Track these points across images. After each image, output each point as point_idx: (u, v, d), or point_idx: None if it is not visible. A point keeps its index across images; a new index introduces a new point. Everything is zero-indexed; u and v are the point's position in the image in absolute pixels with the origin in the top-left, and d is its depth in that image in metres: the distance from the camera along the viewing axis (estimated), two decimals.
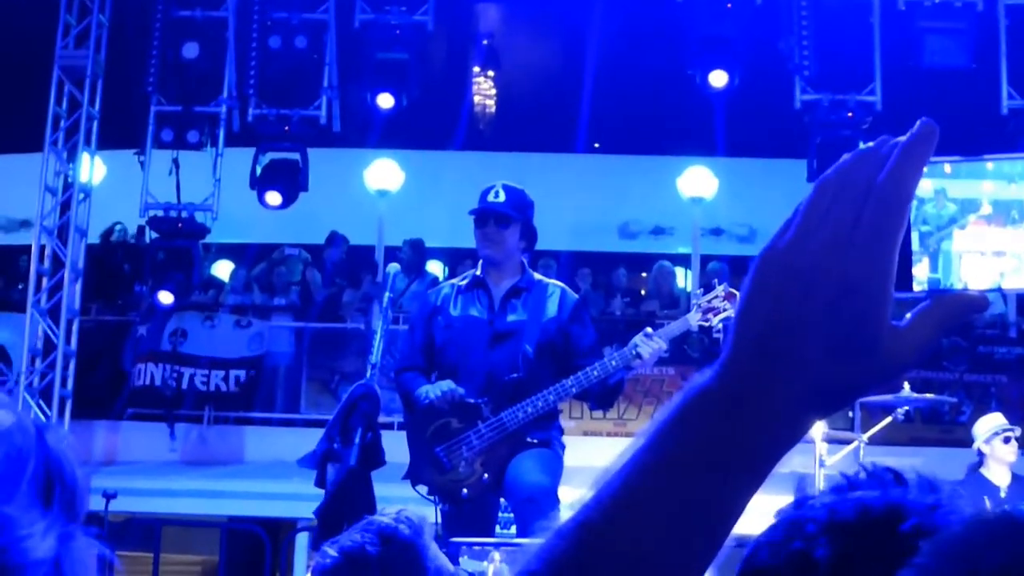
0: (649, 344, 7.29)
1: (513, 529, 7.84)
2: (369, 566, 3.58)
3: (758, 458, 1.20)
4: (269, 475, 14.43)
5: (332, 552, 3.66)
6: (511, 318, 7.56)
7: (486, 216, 7.59)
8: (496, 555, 6.60)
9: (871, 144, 1.24)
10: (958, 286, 1.35)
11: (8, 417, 1.25)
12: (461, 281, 7.82)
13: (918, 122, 1.22)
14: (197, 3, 15.83)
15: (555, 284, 7.84)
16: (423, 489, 7.40)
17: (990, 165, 1.37)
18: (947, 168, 1.40)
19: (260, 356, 16.44)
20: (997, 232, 1.31)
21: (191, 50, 15.70)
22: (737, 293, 7.68)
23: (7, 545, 1.13)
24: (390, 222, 18.32)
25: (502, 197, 7.58)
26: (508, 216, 7.55)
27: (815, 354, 1.18)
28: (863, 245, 1.18)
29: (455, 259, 16.86)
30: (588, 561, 1.22)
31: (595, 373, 7.23)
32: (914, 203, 1.18)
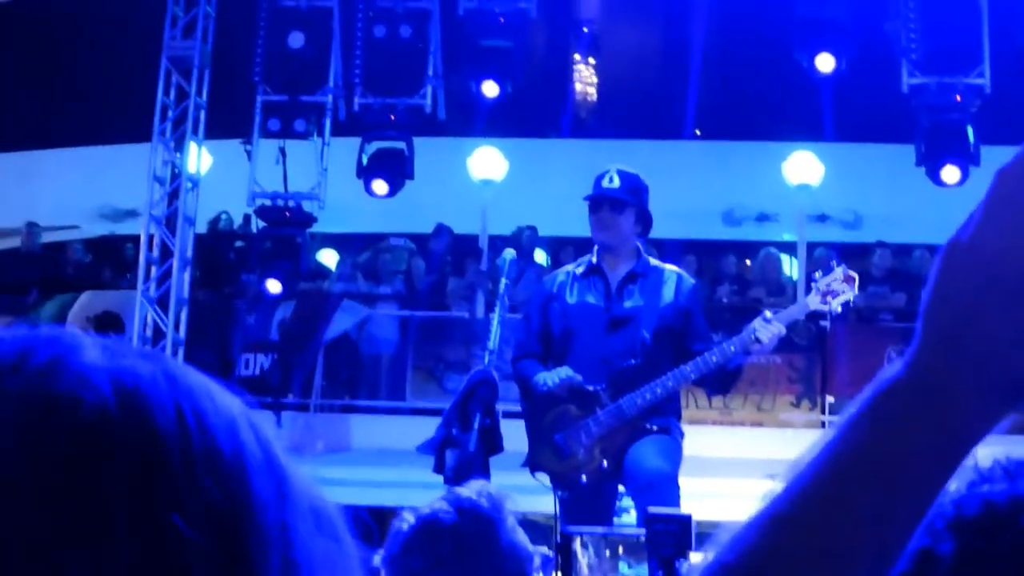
0: (768, 328, 7.23)
1: (629, 516, 7.83)
2: (443, 534, 3.61)
3: (950, 449, 1.19)
4: (376, 462, 14.50)
5: (410, 518, 3.69)
6: (628, 304, 7.53)
7: (601, 201, 7.57)
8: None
9: None
10: None
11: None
12: (577, 268, 7.79)
13: None
14: None
15: (672, 269, 7.81)
16: (542, 476, 7.40)
17: None
18: None
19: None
20: None
21: (297, 39, 15.81)
22: (855, 276, 7.62)
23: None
24: (494, 211, 18.33)
25: (616, 182, 7.56)
26: (623, 201, 7.53)
27: (1004, 345, 1.17)
28: None
29: (558, 247, 16.83)
30: (783, 553, 1.21)
31: (714, 359, 7.19)
32: None
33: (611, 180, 7.58)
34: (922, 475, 1.20)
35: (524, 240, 16.42)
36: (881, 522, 1.19)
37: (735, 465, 13.27)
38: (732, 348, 7.23)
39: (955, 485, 1.58)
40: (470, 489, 3.78)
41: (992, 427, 1.20)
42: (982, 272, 1.17)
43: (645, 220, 7.70)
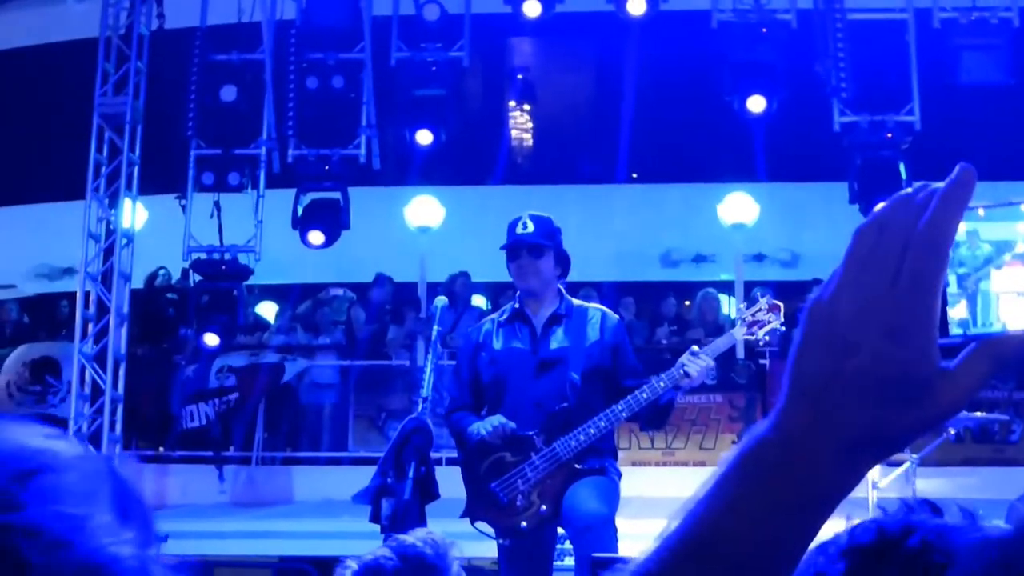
0: (696, 362, 7.26)
1: (566, 560, 7.82)
2: None
3: (816, 503, 1.23)
4: (319, 514, 14.42)
5: (353, 565, 3.68)
6: (554, 346, 7.54)
7: (519, 248, 7.58)
8: None
9: (907, 191, 1.24)
10: (997, 327, 1.35)
11: (76, 446, 1.28)
12: (501, 316, 7.81)
13: (957, 167, 1.24)
14: (234, 46, 15.96)
15: (595, 307, 7.83)
16: (483, 526, 7.37)
17: None
18: (980, 211, 1.41)
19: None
20: None
21: (229, 93, 15.81)
22: (780, 304, 7.68)
23: (98, 545, 1.16)
24: (432, 258, 18.35)
25: (531, 227, 7.58)
26: (540, 245, 7.56)
27: (866, 401, 1.20)
28: (906, 292, 1.20)
29: (498, 293, 16.86)
30: None
31: (644, 395, 7.21)
32: None
33: (525, 226, 7.59)
34: (789, 529, 1.23)
35: (457, 287, 16.42)
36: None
37: (679, 504, 13.28)
38: (662, 384, 7.25)
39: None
40: (414, 536, 3.77)
41: (858, 481, 1.24)
42: (845, 332, 1.20)
43: (563, 262, 7.73)
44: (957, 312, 1.28)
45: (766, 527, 1.22)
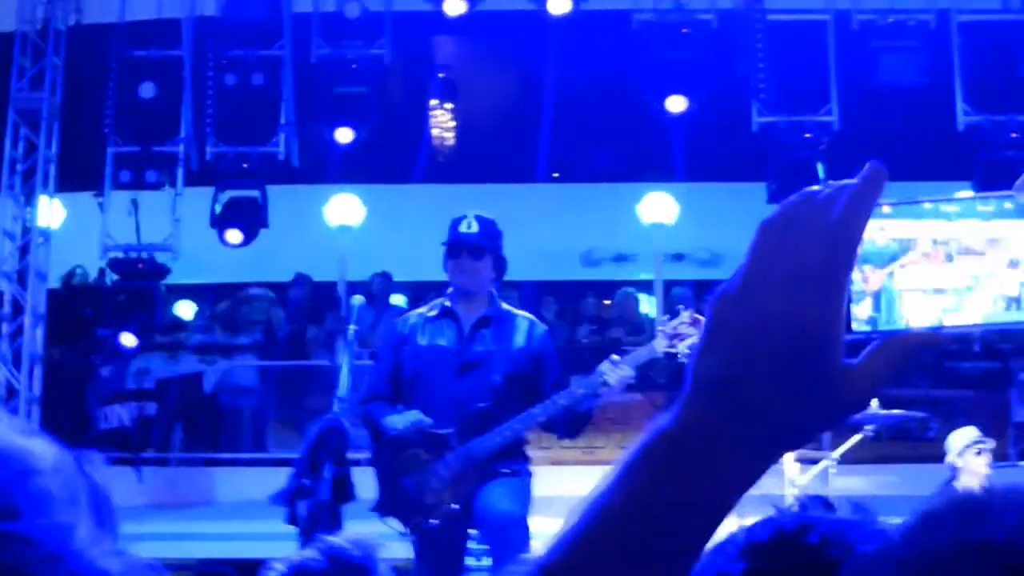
0: (616, 371, 7.28)
1: (485, 560, 7.82)
2: None
3: (717, 498, 1.22)
4: (238, 515, 14.33)
5: (279, 567, 3.64)
6: (479, 348, 7.54)
7: (460, 247, 7.57)
8: None
9: (813, 188, 1.25)
10: (901, 324, 1.36)
11: (51, 447, 1.25)
12: (429, 311, 7.78)
13: (867, 165, 1.24)
14: (153, 42, 15.82)
15: (524, 315, 7.83)
16: (393, 521, 7.35)
17: (928, 205, 1.39)
18: (886, 208, 1.42)
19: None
20: (936, 269, 1.32)
21: (148, 90, 15.67)
22: (702, 318, 7.70)
23: (88, 558, 1.16)
24: (352, 257, 18.29)
25: (475, 227, 7.58)
26: (482, 247, 7.56)
27: (770, 394, 1.20)
28: (813, 287, 1.20)
29: (418, 292, 16.82)
30: None
31: (562, 402, 7.22)
32: None
33: (469, 226, 7.59)
34: (691, 523, 1.23)
35: (375, 286, 16.38)
36: (651, 571, 1.22)
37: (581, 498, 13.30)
38: (581, 391, 7.27)
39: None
40: (341, 537, 3.74)
41: (761, 474, 1.23)
42: (750, 325, 1.20)
43: (500, 266, 7.74)
44: (862, 309, 1.28)
45: (666, 521, 1.21)
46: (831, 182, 1.25)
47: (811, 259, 1.20)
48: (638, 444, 1.23)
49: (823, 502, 1.66)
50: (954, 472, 10.43)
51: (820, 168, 15.17)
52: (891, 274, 1.30)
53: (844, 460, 10.89)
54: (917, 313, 1.30)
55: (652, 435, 1.23)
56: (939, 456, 10.83)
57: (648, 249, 18.99)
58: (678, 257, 19.55)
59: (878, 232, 1.30)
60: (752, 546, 1.62)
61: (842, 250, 1.21)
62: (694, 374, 1.22)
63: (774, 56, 15.53)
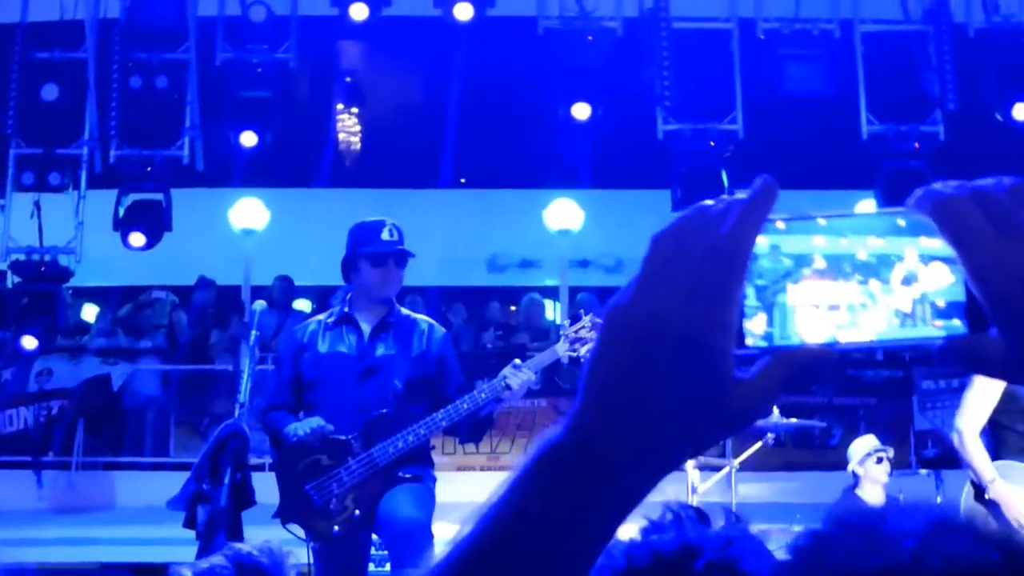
0: (518, 375, 7.30)
1: (387, 566, 7.81)
2: None
3: (608, 509, 1.23)
4: (140, 520, 14.22)
5: (186, 573, 3.62)
6: (380, 353, 7.53)
7: (387, 256, 7.54)
8: None
9: (707, 202, 1.26)
10: (794, 340, 1.38)
11: None
12: (328, 318, 7.76)
13: (757, 179, 1.26)
14: (56, 44, 15.67)
15: (424, 319, 7.82)
16: (295, 528, 7.33)
17: (822, 221, 1.41)
18: (780, 224, 1.43)
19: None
20: (830, 286, 1.34)
21: (51, 91, 15.52)
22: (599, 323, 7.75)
23: None
24: (256, 261, 18.20)
25: (396, 235, 7.57)
26: (407, 255, 7.56)
27: (660, 406, 1.21)
28: (702, 301, 1.21)
29: (323, 296, 16.76)
30: None
31: (464, 406, 7.22)
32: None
33: (392, 233, 7.56)
34: (583, 535, 1.23)
35: (277, 291, 16.31)
36: None
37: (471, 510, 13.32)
38: (483, 395, 7.27)
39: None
40: (250, 544, 3.72)
41: (652, 486, 1.24)
42: (640, 337, 1.21)
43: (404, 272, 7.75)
44: (755, 324, 1.30)
45: (556, 534, 1.22)
46: (724, 196, 1.27)
47: (701, 272, 1.21)
48: (530, 456, 1.24)
49: (696, 512, 1.65)
50: (856, 480, 10.56)
51: (724, 176, 15.27)
52: (783, 291, 1.32)
53: (747, 467, 10.99)
54: (810, 329, 1.32)
55: (543, 447, 1.24)
56: (842, 463, 10.95)
57: (554, 255, 19.06)
58: (583, 263, 19.62)
59: (775, 248, 1.32)
60: (632, 572, 1.61)
61: (731, 265, 1.23)
62: (586, 385, 1.23)
63: (679, 64, 15.62)
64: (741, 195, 1.26)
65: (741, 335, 1.25)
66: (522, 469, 1.24)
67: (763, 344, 1.29)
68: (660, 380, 1.21)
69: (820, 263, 1.32)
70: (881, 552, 1.21)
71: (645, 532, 1.64)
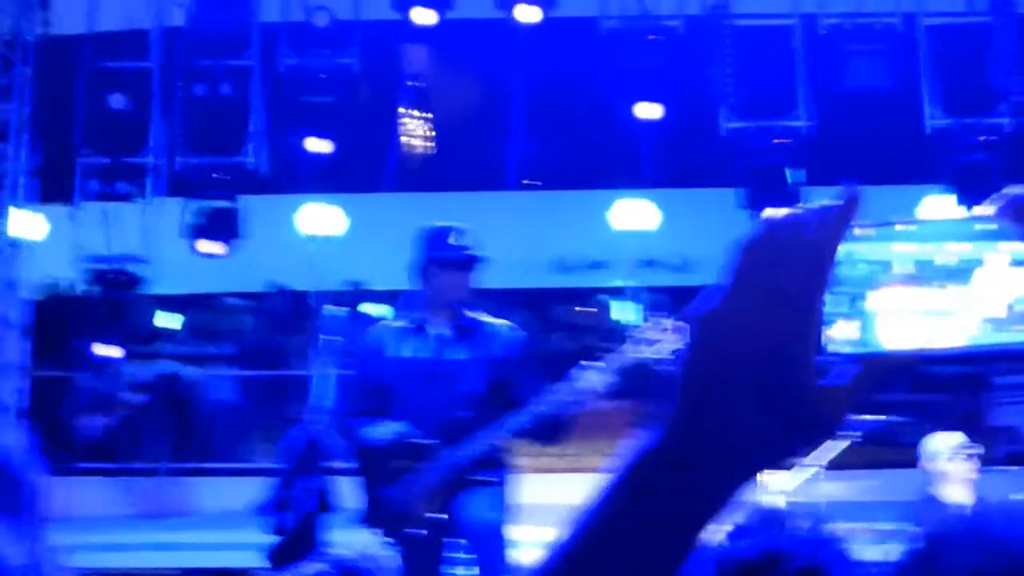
0: (593, 377, 7.29)
1: (462, 569, 7.82)
2: None
3: (701, 513, 1.26)
4: (221, 525, 14.31)
5: None
6: (456, 357, 7.52)
7: (453, 262, 7.53)
8: None
9: (793, 210, 1.28)
10: (877, 346, 1.37)
11: None
12: (403, 323, 7.77)
13: (844, 189, 1.27)
14: (122, 53, 15.80)
15: (501, 323, 7.80)
16: (376, 531, 7.35)
17: (901, 227, 1.40)
18: (861, 231, 1.43)
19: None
20: (911, 292, 1.34)
21: (117, 101, 15.67)
22: (679, 324, 7.74)
23: None
24: (325, 266, 18.24)
25: (463, 240, 7.56)
26: (474, 260, 7.54)
27: (750, 414, 1.24)
28: (790, 308, 1.24)
29: (392, 300, 16.80)
30: None
31: (541, 409, 7.21)
32: None
33: (457, 238, 7.56)
34: (675, 538, 1.26)
35: (346, 296, 16.37)
36: None
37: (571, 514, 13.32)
38: (559, 397, 7.26)
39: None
40: (351, 549, 3.74)
41: (743, 490, 1.27)
42: (728, 343, 1.24)
43: (480, 276, 7.73)
44: (838, 331, 1.30)
45: (650, 537, 1.25)
46: (807, 205, 1.27)
47: (788, 281, 1.24)
48: (624, 461, 1.27)
49: (781, 515, 1.64)
50: (932, 477, 10.41)
51: (789, 173, 15.21)
52: (866, 296, 1.32)
53: (831, 465, 10.93)
54: (893, 334, 1.32)
55: (638, 452, 1.27)
56: (917, 461, 10.85)
57: (620, 256, 19.02)
58: (650, 263, 19.57)
59: (852, 255, 1.32)
60: None
61: (817, 273, 1.25)
62: (679, 392, 1.25)
63: (742, 61, 15.58)
64: (826, 203, 1.27)
65: (823, 343, 1.25)
66: (617, 474, 1.27)
67: (846, 351, 1.29)
68: (749, 389, 1.23)
69: (901, 269, 1.32)
70: (1003, 555, 1.21)
71: (732, 537, 1.64)
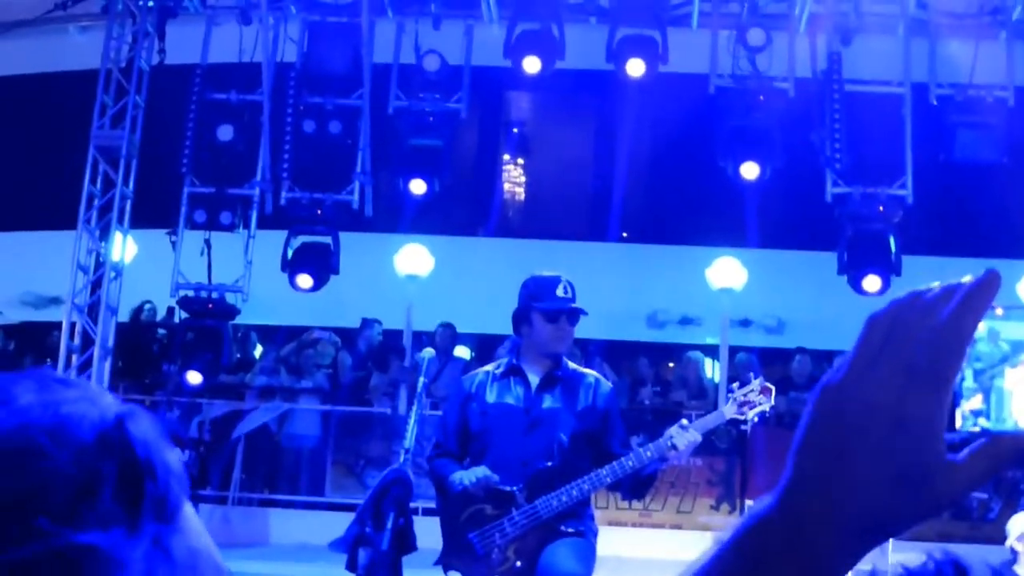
0: (685, 436, 7.26)
1: None
2: None
3: None
4: (293, 558, 14.36)
5: None
6: (546, 406, 7.53)
7: (562, 313, 7.56)
8: None
9: (922, 287, 1.26)
10: (1011, 424, 1.35)
11: (90, 411, 1.26)
12: (496, 368, 7.78)
13: (984, 270, 1.25)
14: (233, 86, 16.01)
15: (591, 373, 7.81)
16: (455, 575, 7.35)
17: None
18: (999, 311, 1.42)
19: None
20: None
21: (226, 132, 15.84)
22: (772, 387, 7.71)
23: (90, 572, 1.15)
24: (419, 307, 18.34)
25: (570, 293, 7.58)
26: (580, 314, 7.58)
27: (871, 486, 1.22)
28: (920, 383, 1.22)
29: (483, 344, 16.85)
30: None
31: (630, 463, 7.19)
32: None
33: (566, 290, 7.58)
34: None
35: (439, 337, 16.41)
36: None
37: (654, 566, 13.26)
38: (648, 453, 7.24)
39: None
40: None
41: (857, 562, 1.25)
42: (850, 416, 1.22)
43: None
44: (971, 406, 1.29)
45: None
46: (939, 283, 1.27)
47: (919, 355, 1.22)
48: (737, 526, 1.26)
49: (955, 565, 1.59)
50: (1014, 556, 10.27)
51: (892, 241, 15.11)
52: (1001, 375, 1.31)
53: (902, 536, 10.80)
54: None
55: (752, 518, 1.25)
56: (1000, 538, 10.70)
57: (714, 313, 18.96)
58: (745, 323, 19.50)
59: (990, 332, 1.31)
60: None
61: (954, 349, 1.23)
62: (796, 461, 1.24)
63: (850, 126, 15.51)
64: (964, 280, 1.25)
65: (952, 418, 1.24)
66: (730, 538, 1.25)
67: (978, 427, 1.28)
68: (871, 460, 1.21)
69: None
70: None
71: None
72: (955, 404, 1.25)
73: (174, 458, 1.28)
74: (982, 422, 1.29)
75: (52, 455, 1.17)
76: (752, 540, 1.24)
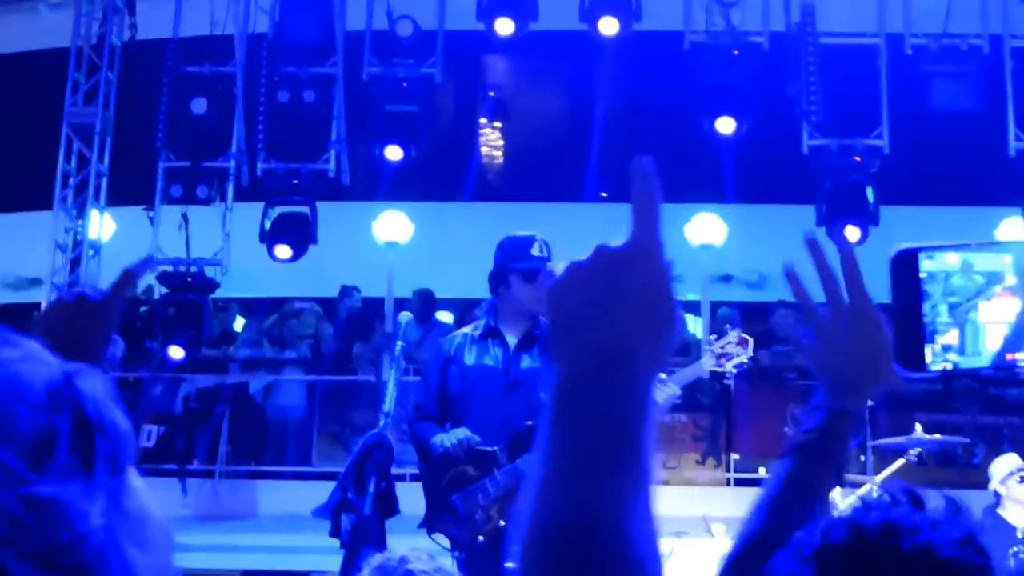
0: (663, 390, 7.27)
1: None
2: None
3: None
4: (283, 528, 14.37)
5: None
6: (525, 366, 7.52)
7: (538, 272, 7.51)
8: None
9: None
10: (985, 355, 1.36)
11: (39, 369, 1.25)
12: (474, 330, 7.78)
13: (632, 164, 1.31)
14: (206, 59, 15.94)
15: None
16: (440, 538, 7.36)
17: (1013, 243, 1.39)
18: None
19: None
20: (1015, 304, 1.32)
21: (200, 105, 15.77)
22: (749, 339, 7.71)
23: (53, 523, 1.15)
24: (400, 274, 18.28)
25: (546, 252, 7.56)
26: None
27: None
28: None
29: (464, 309, 16.81)
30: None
31: None
32: (942, 275, 1.24)
33: (542, 249, 7.56)
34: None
35: (418, 303, 16.36)
36: None
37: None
38: None
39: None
40: (416, 555, 3.75)
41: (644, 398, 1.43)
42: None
43: None
44: (947, 341, 1.28)
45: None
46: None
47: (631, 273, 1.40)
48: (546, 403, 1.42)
49: (911, 496, 1.55)
50: (998, 499, 10.33)
51: (869, 192, 15.11)
52: (975, 308, 1.30)
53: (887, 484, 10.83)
54: (999, 344, 1.30)
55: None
56: (985, 483, 10.74)
57: (695, 270, 18.94)
58: (726, 278, 19.48)
59: (964, 264, 1.30)
60: (826, 547, 1.52)
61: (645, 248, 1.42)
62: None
63: (825, 79, 15.49)
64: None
65: (922, 355, 1.24)
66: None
67: (949, 364, 1.27)
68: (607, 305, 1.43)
69: (1011, 280, 1.30)
70: None
71: (854, 510, 1.56)
72: (928, 340, 1.25)
73: (120, 416, 1.28)
74: (952, 357, 1.29)
75: (11, 410, 1.16)
76: (558, 406, 1.40)
